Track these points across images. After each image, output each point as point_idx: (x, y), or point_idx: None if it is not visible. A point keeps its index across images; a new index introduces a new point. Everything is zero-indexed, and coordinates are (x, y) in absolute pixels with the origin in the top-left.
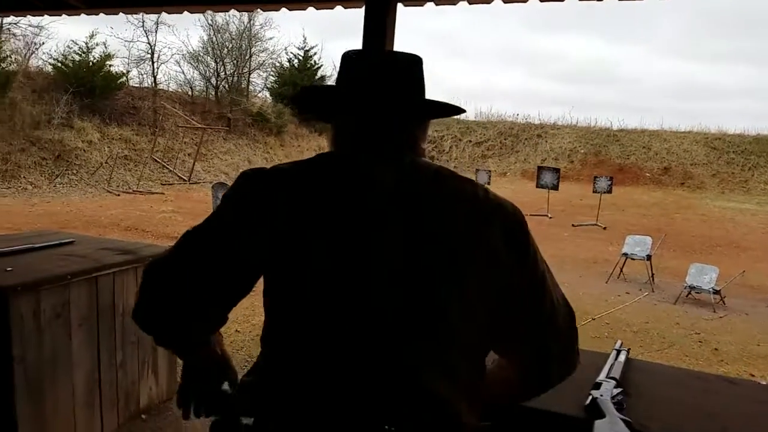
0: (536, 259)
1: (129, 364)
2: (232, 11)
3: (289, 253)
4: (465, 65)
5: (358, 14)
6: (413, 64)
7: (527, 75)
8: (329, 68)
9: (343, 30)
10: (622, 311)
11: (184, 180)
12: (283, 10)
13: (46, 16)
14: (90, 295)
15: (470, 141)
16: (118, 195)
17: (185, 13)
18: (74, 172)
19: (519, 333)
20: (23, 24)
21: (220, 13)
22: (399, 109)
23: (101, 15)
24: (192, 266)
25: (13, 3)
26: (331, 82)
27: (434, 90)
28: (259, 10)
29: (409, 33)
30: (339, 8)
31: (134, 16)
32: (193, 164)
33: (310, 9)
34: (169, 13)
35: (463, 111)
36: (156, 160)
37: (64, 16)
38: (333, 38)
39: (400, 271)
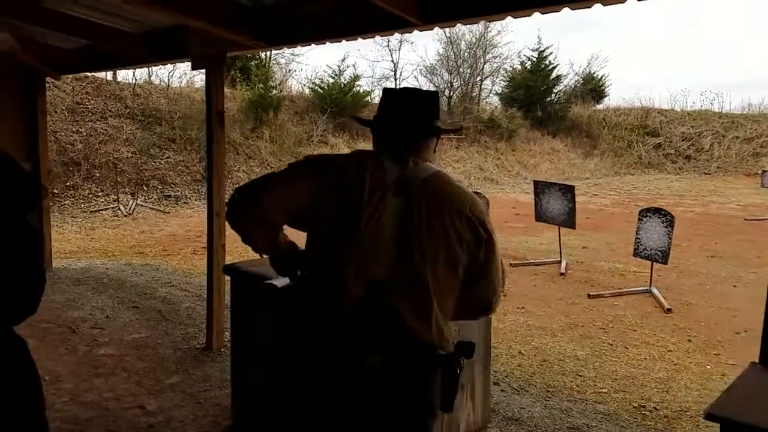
0: (492, 243)
1: None
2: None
3: (318, 204)
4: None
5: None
6: (425, 99)
7: None
8: (565, 67)
9: (581, 26)
10: None
11: None
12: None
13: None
14: None
15: (737, 137)
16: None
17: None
18: None
19: (479, 287)
20: (287, 53)
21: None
22: (406, 130)
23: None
24: (269, 192)
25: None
26: (566, 82)
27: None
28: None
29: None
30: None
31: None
32: None
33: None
34: (364, 39)
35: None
36: None
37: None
38: (571, 34)
39: (390, 235)
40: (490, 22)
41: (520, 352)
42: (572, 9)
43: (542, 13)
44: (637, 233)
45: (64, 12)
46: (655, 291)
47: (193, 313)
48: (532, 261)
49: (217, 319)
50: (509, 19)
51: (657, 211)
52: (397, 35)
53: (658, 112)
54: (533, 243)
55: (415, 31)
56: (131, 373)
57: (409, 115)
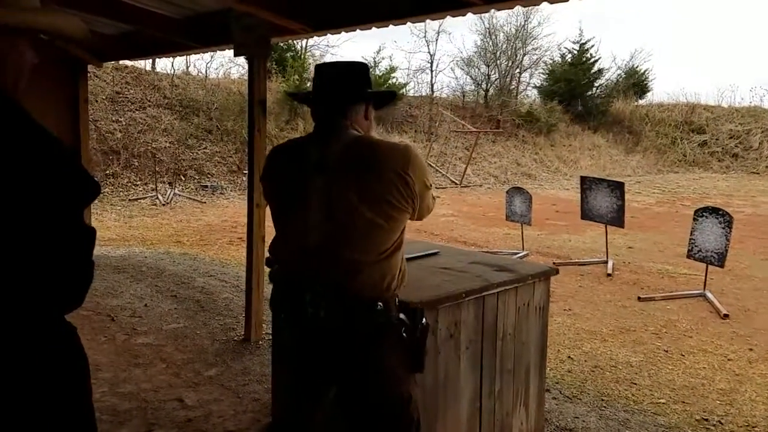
0: (422, 180)
1: (505, 394)
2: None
3: (272, 191)
4: None
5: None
6: (347, 67)
7: None
8: (607, 60)
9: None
10: None
11: (456, 183)
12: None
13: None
14: (477, 316)
15: None
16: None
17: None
18: None
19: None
20: (322, 45)
21: (498, 15)
22: (330, 97)
23: (373, 29)
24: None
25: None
26: (608, 76)
27: None
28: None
29: None
30: None
31: (418, 27)
32: (465, 168)
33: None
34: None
35: (391, 93)
36: (431, 165)
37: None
38: (613, 27)
39: (320, 208)
40: (552, 3)
41: (569, 356)
42: None
43: None
44: (691, 234)
45: None
46: (709, 295)
47: (230, 304)
48: (576, 261)
49: (256, 311)
50: (553, 6)
51: (714, 210)
52: (434, 25)
53: (704, 109)
54: (576, 242)
55: (468, 14)
56: (170, 364)
57: (332, 83)
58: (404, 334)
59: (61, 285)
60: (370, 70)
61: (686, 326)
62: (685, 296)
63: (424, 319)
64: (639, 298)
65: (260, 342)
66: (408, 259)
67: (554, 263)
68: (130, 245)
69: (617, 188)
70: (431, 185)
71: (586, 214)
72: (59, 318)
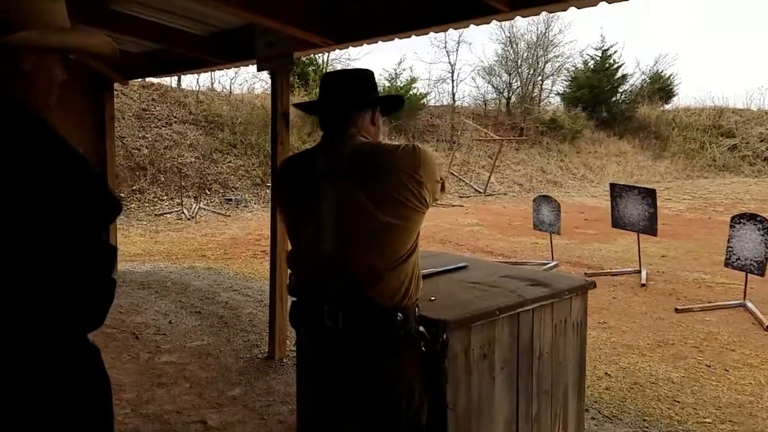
0: (434, 179)
1: (543, 417)
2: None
3: (283, 202)
4: None
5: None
6: (350, 75)
7: None
8: (631, 66)
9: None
10: None
11: (480, 192)
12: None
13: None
14: (512, 334)
15: None
16: (433, 204)
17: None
18: None
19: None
20: (343, 58)
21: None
22: (335, 105)
23: (395, 40)
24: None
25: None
26: (632, 82)
27: None
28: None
29: None
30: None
31: (438, 38)
32: (489, 176)
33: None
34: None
35: (397, 97)
36: (453, 174)
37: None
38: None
39: (331, 216)
40: (579, 8)
41: (606, 373)
42: None
43: None
44: (729, 241)
45: (131, 14)
46: (750, 305)
47: (254, 320)
48: (609, 271)
49: (280, 328)
50: (574, 13)
51: (752, 217)
52: (454, 35)
53: (733, 112)
54: (607, 251)
55: (492, 21)
56: (193, 384)
57: (336, 90)
58: (423, 348)
59: (81, 305)
60: (391, 81)
61: (728, 339)
62: (725, 307)
63: (444, 335)
64: (676, 309)
65: (284, 360)
66: (435, 273)
67: (586, 274)
68: (155, 260)
69: (649, 195)
70: (441, 179)
71: (617, 222)
72: (81, 338)
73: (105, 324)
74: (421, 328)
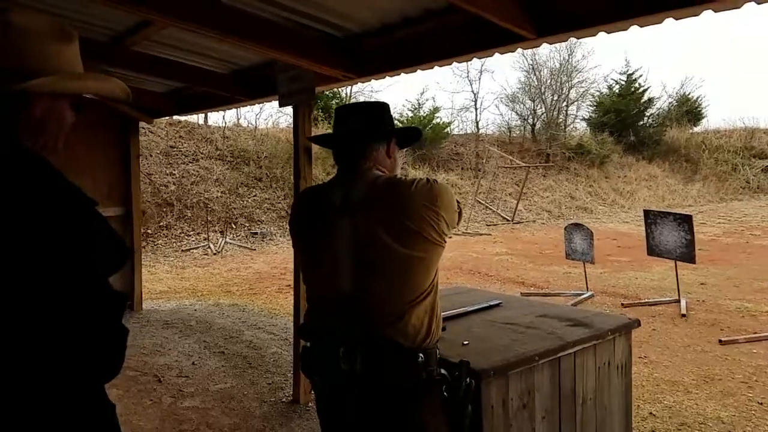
0: (452, 211)
1: None
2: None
3: (298, 238)
4: None
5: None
6: (365, 108)
7: None
8: (657, 89)
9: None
10: None
11: (508, 220)
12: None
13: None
14: (553, 381)
15: None
16: (450, 237)
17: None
18: None
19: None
20: (366, 90)
21: (541, 51)
22: (350, 138)
23: (418, 72)
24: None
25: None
26: (659, 105)
27: None
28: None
29: None
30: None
31: (460, 68)
32: (517, 204)
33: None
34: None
35: (415, 130)
36: (480, 202)
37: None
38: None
39: (347, 251)
40: (609, 33)
41: (651, 413)
42: (715, 12)
43: (676, 19)
44: None
45: (153, 54)
46: None
47: (279, 360)
48: (646, 301)
49: None
50: (598, 38)
51: None
52: (476, 64)
53: (765, 133)
54: (643, 279)
55: (517, 50)
56: (216, 431)
57: (350, 124)
58: (445, 393)
59: (90, 356)
60: (414, 111)
61: None
62: None
63: (468, 378)
64: (720, 341)
65: (310, 404)
66: (468, 313)
67: (623, 304)
68: (180, 297)
69: (685, 221)
70: (459, 207)
71: (653, 249)
72: (96, 391)
73: (128, 366)
74: (443, 371)
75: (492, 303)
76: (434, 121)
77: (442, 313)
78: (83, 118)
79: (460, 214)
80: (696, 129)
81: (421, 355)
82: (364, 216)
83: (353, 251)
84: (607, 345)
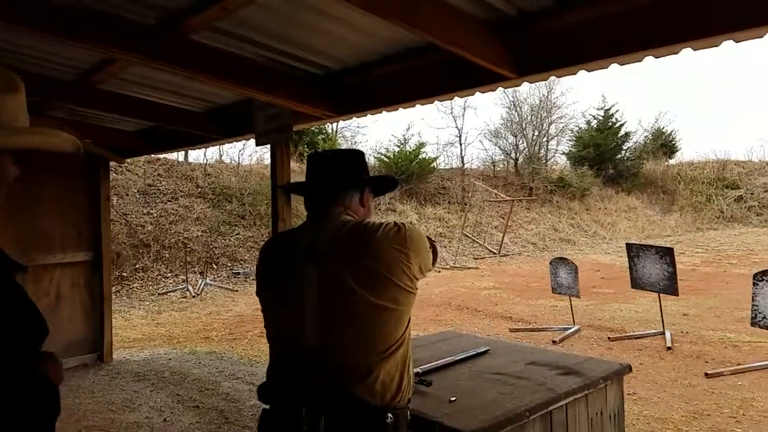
0: (423, 254)
1: None
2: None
3: (261, 287)
4: None
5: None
6: (338, 155)
7: None
8: (633, 123)
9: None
10: None
11: (494, 253)
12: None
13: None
14: None
15: None
16: (439, 272)
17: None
18: None
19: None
20: (352, 126)
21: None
22: (321, 186)
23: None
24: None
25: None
26: (635, 139)
27: None
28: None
29: None
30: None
31: (444, 105)
32: (502, 237)
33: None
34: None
35: (393, 183)
36: (467, 235)
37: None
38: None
39: (315, 301)
40: (589, 71)
41: None
42: (695, 49)
43: (656, 57)
44: (753, 299)
45: (122, 93)
46: None
47: (258, 413)
48: (632, 334)
49: None
50: (581, 75)
51: None
52: (460, 102)
53: (735, 164)
54: (628, 311)
55: (498, 88)
56: None
57: (323, 171)
58: None
59: None
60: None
61: (764, 405)
62: (756, 369)
63: None
64: (706, 374)
65: None
66: (456, 362)
67: (609, 338)
68: (155, 345)
69: (666, 254)
70: (432, 245)
71: (636, 282)
72: None
73: (94, 425)
74: None
75: (480, 350)
76: (420, 156)
77: (429, 364)
78: (49, 160)
79: (435, 253)
80: (671, 161)
81: (390, 415)
82: (331, 263)
83: (319, 300)
84: (599, 394)
